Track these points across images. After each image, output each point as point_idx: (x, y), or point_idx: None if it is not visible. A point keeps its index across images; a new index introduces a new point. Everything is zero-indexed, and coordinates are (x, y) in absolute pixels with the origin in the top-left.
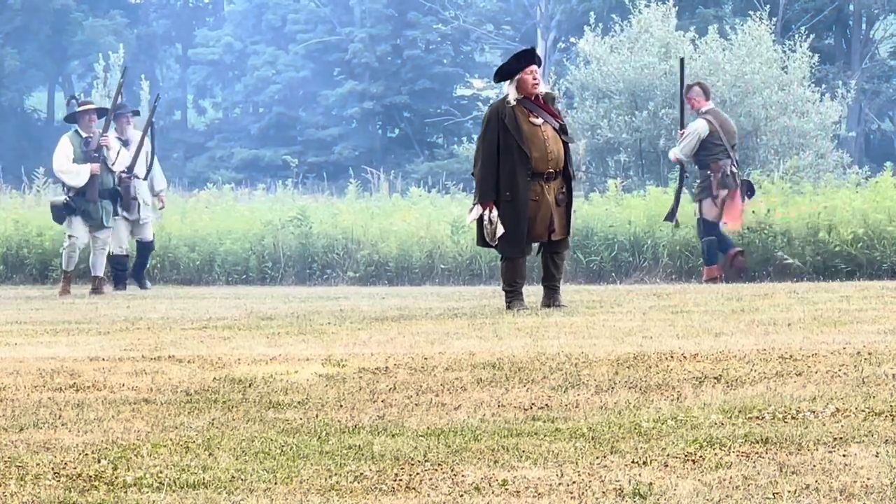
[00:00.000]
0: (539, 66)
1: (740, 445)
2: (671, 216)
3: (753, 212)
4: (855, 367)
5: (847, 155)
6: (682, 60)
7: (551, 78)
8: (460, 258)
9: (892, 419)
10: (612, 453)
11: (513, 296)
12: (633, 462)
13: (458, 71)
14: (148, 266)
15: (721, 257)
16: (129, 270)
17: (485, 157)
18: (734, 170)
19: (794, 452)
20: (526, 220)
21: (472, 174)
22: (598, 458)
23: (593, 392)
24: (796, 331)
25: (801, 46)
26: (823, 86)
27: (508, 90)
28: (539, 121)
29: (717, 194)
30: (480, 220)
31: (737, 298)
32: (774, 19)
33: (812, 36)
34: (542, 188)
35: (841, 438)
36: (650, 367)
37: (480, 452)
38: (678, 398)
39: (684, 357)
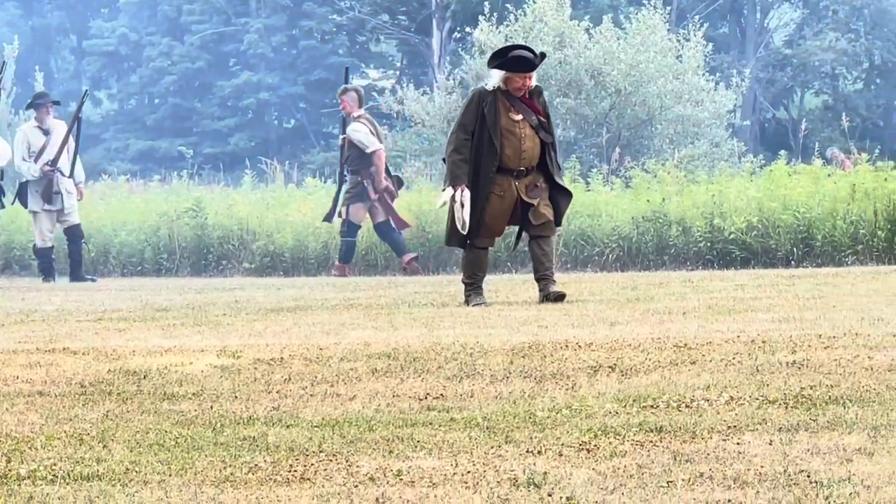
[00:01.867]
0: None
1: (634, 434)
2: (330, 217)
3: (648, 200)
4: (749, 355)
5: (742, 144)
6: (346, 69)
7: (446, 68)
8: (357, 249)
9: (786, 407)
10: (506, 443)
11: (472, 289)
12: (527, 451)
13: (353, 61)
14: (83, 256)
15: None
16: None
17: (458, 142)
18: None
19: (688, 441)
20: (479, 213)
21: (443, 159)
22: (492, 447)
23: (488, 382)
24: (691, 319)
25: (695, 35)
26: (718, 74)
27: (495, 78)
28: (519, 117)
29: (372, 199)
30: (452, 215)
31: (632, 287)
32: (669, 8)
33: (706, 25)
34: (508, 184)
35: (735, 426)
36: (545, 356)
37: (375, 443)
38: (573, 387)
39: (579, 346)
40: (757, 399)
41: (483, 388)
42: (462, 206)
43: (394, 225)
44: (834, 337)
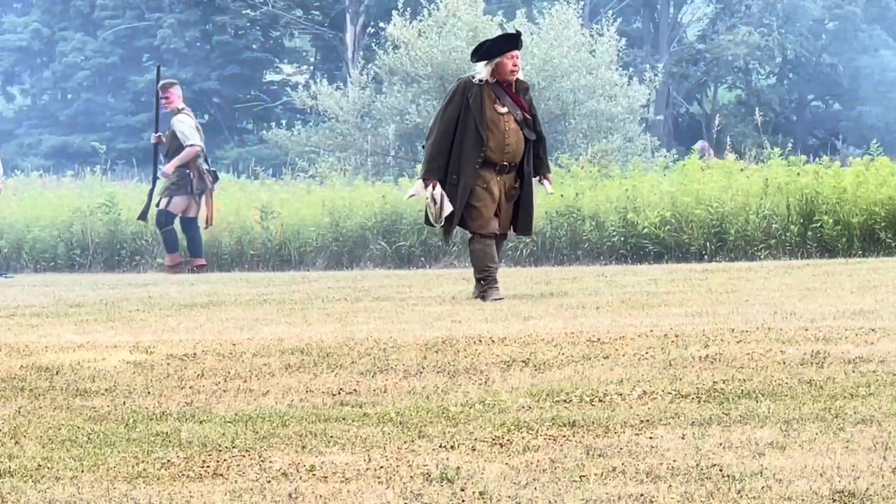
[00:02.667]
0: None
1: (548, 429)
2: (144, 215)
3: (562, 195)
4: (662, 349)
5: (655, 138)
6: (158, 67)
7: (360, 63)
8: (269, 244)
9: (699, 401)
10: (419, 437)
11: (487, 283)
12: (440, 446)
13: (267, 56)
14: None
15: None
16: None
17: (439, 134)
18: (208, 168)
19: (601, 435)
20: (464, 202)
21: (423, 146)
22: (405, 442)
23: (402, 377)
24: (604, 314)
25: (608, 30)
26: (631, 69)
27: (483, 70)
28: (504, 109)
29: (196, 192)
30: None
31: (545, 282)
32: (582, 3)
33: (619, 20)
34: (492, 178)
35: (647, 421)
36: (458, 351)
37: (288, 438)
38: (486, 382)
39: (493, 341)
40: (669, 393)
41: (396, 383)
42: (434, 201)
43: (205, 222)
44: (746, 331)
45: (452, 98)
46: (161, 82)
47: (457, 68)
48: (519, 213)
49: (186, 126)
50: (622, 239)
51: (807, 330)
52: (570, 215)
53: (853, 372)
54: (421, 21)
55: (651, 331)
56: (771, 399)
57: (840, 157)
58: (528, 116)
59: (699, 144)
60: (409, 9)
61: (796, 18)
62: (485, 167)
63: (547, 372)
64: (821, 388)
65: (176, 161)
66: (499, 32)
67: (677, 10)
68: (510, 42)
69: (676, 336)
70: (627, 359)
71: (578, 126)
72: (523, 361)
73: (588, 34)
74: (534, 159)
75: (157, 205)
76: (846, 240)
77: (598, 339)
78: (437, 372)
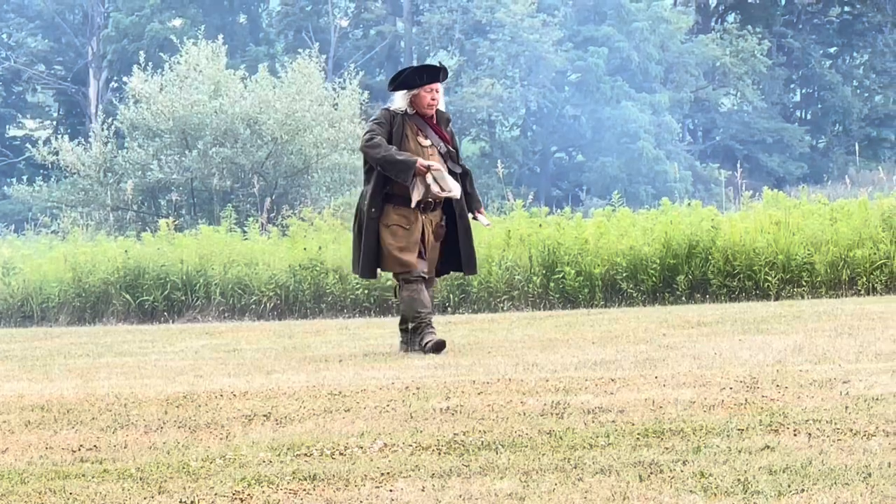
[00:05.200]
0: (442, 84)
1: (288, 483)
2: None
3: (305, 249)
4: (403, 401)
5: None
6: None
7: (99, 116)
8: (11, 300)
9: (439, 453)
10: (160, 493)
11: (422, 329)
12: (180, 502)
13: (10, 111)
14: None
15: None
16: None
17: (376, 140)
18: None
19: (341, 488)
20: (381, 245)
21: (366, 170)
22: (145, 498)
23: (142, 432)
24: (347, 367)
25: (351, 83)
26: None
27: (400, 101)
28: (428, 142)
29: None
30: (358, 246)
31: (289, 336)
32: (325, 56)
33: (363, 73)
34: (416, 216)
35: (388, 473)
36: (200, 405)
37: (27, 496)
38: (227, 436)
39: (234, 395)
40: (410, 446)
41: (137, 438)
42: (435, 179)
43: None
44: (488, 383)
45: (379, 122)
46: None
47: (199, 122)
48: (461, 252)
49: None
50: (365, 292)
51: (548, 381)
52: (314, 268)
53: (592, 422)
54: (163, 75)
55: (393, 383)
56: (511, 450)
57: (583, 208)
58: (452, 149)
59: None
60: (150, 63)
61: (539, 70)
62: (406, 204)
63: (288, 426)
64: (560, 438)
65: None
66: (235, 83)
67: (421, 62)
68: (431, 74)
69: (418, 388)
70: (369, 411)
71: (321, 179)
72: (264, 415)
73: (331, 87)
74: (463, 194)
75: None
76: (588, 290)
77: (340, 392)
78: (178, 427)
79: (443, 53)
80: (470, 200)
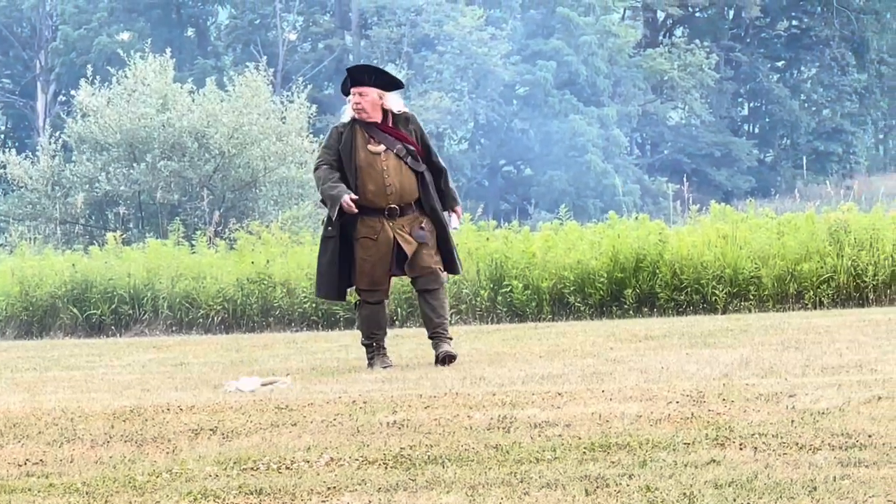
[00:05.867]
0: (372, 85)
1: (234, 497)
2: None
3: (252, 262)
4: (350, 415)
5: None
6: None
7: (47, 130)
8: None
9: (386, 467)
10: None
11: (373, 350)
12: None
13: None
14: None
15: None
16: None
17: (325, 173)
18: None
19: (288, 502)
20: (346, 260)
21: (321, 201)
22: None
23: (89, 446)
24: (294, 381)
25: (299, 97)
26: (322, 136)
27: (348, 111)
28: (380, 148)
29: None
30: (323, 266)
31: (236, 349)
32: (273, 70)
33: (311, 86)
34: (381, 225)
35: (334, 488)
36: (147, 419)
37: None
38: (174, 451)
39: (181, 409)
40: (357, 460)
41: (83, 452)
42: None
43: None
44: (434, 396)
45: (327, 144)
46: None
47: (146, 136)
48: (442, 253)
49: None
50: (313, 306)
51: (494, 395)
52: (262, 282)
53: (539, 436)
54: (110, 88)
55: (340, 397)
56: (457, 464)
57: (531, 221)
58: (412, 147)
59: None
60: (98, 76)
61: (487, 84)
62: (369, 214)
63: (235, 440)
64: (507, 452)
65: None
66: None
67: None
68: (353, 78)
69: (365, 402)
70: (315, 425)
71: (269, 193)
72: (211, 429)
73: (279, 101)
74: (437, 193)
75: None
76: (535, 304)
77: (287, 406)
78: (125, 441)
79: (391, 67)
80: (444, 198)
